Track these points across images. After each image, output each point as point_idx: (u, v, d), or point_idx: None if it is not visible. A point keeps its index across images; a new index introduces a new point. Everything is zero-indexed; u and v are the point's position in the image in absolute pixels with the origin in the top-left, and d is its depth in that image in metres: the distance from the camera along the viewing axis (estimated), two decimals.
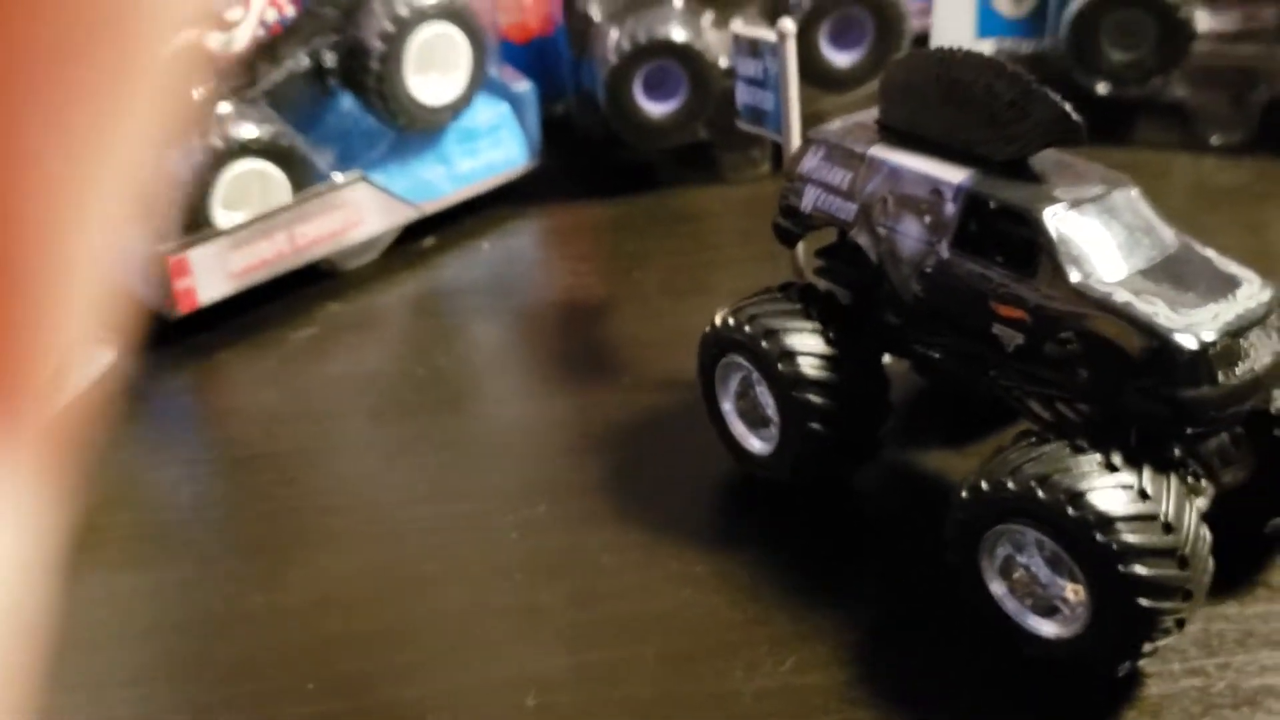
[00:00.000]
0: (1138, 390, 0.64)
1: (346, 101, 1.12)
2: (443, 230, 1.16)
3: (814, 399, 0.75)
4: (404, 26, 1.07)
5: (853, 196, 0.75)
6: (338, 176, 1.08)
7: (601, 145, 1.24)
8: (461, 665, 0.73)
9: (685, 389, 0.91)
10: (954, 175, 0.70)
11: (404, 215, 1.12)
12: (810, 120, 0.85)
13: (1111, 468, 0.62)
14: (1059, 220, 0.66)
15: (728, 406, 0.82)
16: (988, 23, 1.28)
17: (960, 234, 0.69)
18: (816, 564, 0.77)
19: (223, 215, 1.02)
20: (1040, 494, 0.62)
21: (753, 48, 0.85)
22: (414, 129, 1.12)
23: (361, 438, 0.94)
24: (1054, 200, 0.67)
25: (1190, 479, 0.68)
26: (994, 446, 0.69)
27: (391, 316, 1.09)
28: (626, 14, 1.16)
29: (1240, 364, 0.63)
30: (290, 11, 1.05)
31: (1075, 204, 0.67)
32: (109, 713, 0.72)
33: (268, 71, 1.05)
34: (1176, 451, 0.67)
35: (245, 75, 1.04)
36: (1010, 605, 0.67)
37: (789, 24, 0.81)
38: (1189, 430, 0.65)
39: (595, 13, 1.17)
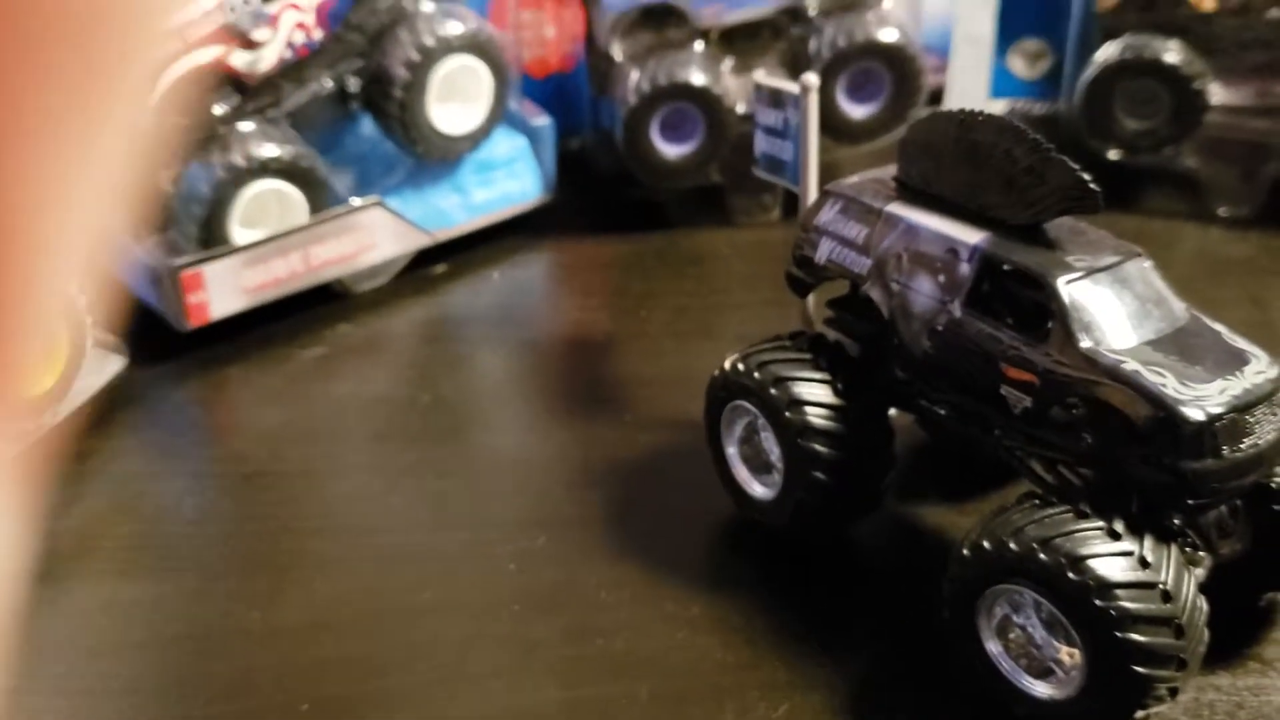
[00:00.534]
0: (1142, 459, 0.65)
1: (367, 126, 1.13)
2: (454, 258, 1.17)
3: (820, 448, 0.75)
4: (429, 56, 1.08)
5: (868, 251, 0.76)
6: (355, 200, 1.09)
7: (614, 182, 1.25)
8: (453, 696, 0.73)
9: (687, 430, 0.91)
10: (970, 236, 0.71)
11: (417, 241, 1.13)
12: (824, 171, 0.87)
13: (1113, 534, 0.63)
14: (1073, 287, 0.67)
15: (732, 451, 0.83)
16: (1002, 83, 1.30)
17: (973, 294, 0.70)
18: (812, 612, 0.77)
19: (240, 232, 1.03)
20: (1042, 556, 0.63)
21: (774, 98, 0.86)
22: (432, 157, 1.13)
23: (364, 460, 0.94)
24: (1068, 267, 0.68)
25: (1189, 549, 0.68)
26: (994, 505, 0.70)
27: (400, 341, 1.09)
28: (648, 56, 1.17)
29: (1245, 439, 0.64)
30: (318, 35, 1.06)
31: (1089, 272, 0.67)
32: None
33: (292, 93, 1.06)
34: (1176, 521, 0.67)
35: (270, 95, 1.05)
36: (1005, 665, 0.68)
37: (813, 78, 0.82)
38: (1190, 501, 0.65)
39: (617, 53, 1.18)
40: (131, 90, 0.25)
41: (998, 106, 1.29)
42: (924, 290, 0.73)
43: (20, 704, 0.73)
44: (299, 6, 1.04)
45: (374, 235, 1.10)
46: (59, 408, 0.93)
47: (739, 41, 1.20)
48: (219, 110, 1.03)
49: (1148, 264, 0.70)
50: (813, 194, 0.84)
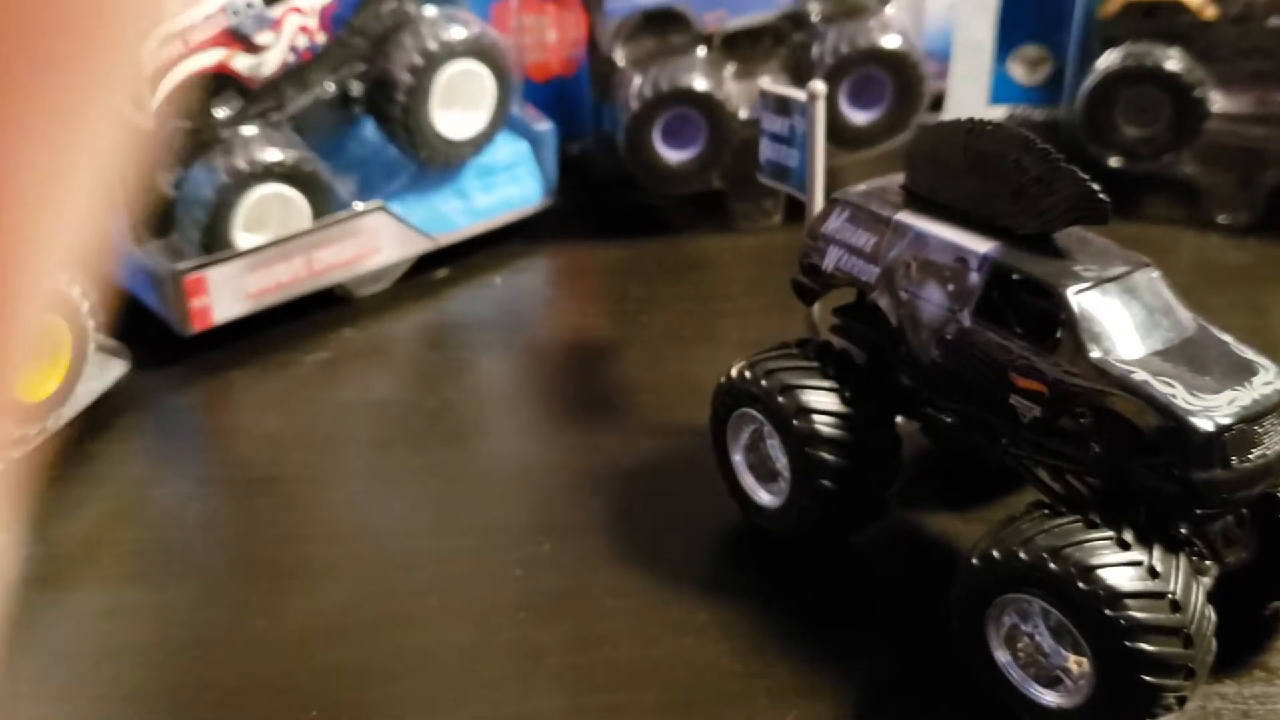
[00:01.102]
0: (1151, 469, 0.65)
1: (369, 131, 1.13)
2: (456, 262, 1.17)
3: (827, 456, 0.76)
4: (433, 61, 1.08)
5: (876, 259, 0.76)
6: (358, 205, 1.09)
7: (616, 187, 1.25)
8: (459, 703, 0.73)
9: (690, 435, 0.91)
10: (980, 245, 0.71)
11: (419, 246, 1.13)
12: (827, 177, 0.87)
13: (1123, 544, 0.63)
14: (1082, 297, 0.67)
15: (738, 458, 0.83)
16: (1002, 89, 1.30)
17: (983, 303, 0.70)
18: (818, 619, 0.77)
19: (243, 237, 1.03)
20: (1052, 566, 0.63)
21: (780, 105, 0.86)
22: (435, 162, 1.13)
23: (368, 466, 0.94)
24: (1078, 277, 0.68)
25: (1196, 558, 0.69)
26: (999, 513, 0.70)
27: (403, 345, 1.09)
28: (650, 61, 1.17)
29: (1254, 450, 0.64)
30: (321, 39, 1.06)
31: (1098, 282, 0.68)
32: None
33: (295, 97, 1.06)
34: (1183, 530, 0.68)
35: (273, 100, 1.05)
36: (1013, 674, 0.68)
37: (820, 85, 0.83)
38: (1199, 511, 0.66)
39: (620, 58, 1.18)
40: (120, 85, 0.25)
41: (997, 112, 1.29)
42: (933, 299, 0.73)
43: (24, 710, 0.73)
44: (302, 10, 1.04)
45: (377, 240, 1.09)
46: (61, 412, 0.93)
47: (741, 47, 1.20)
48: (222, 114, 1.03)
49: (1156, 274, 0.70)
50: (819, 201, 0.85)
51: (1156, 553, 0.64)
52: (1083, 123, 1.20)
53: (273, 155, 1.03)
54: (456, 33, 1.10)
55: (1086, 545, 0.63)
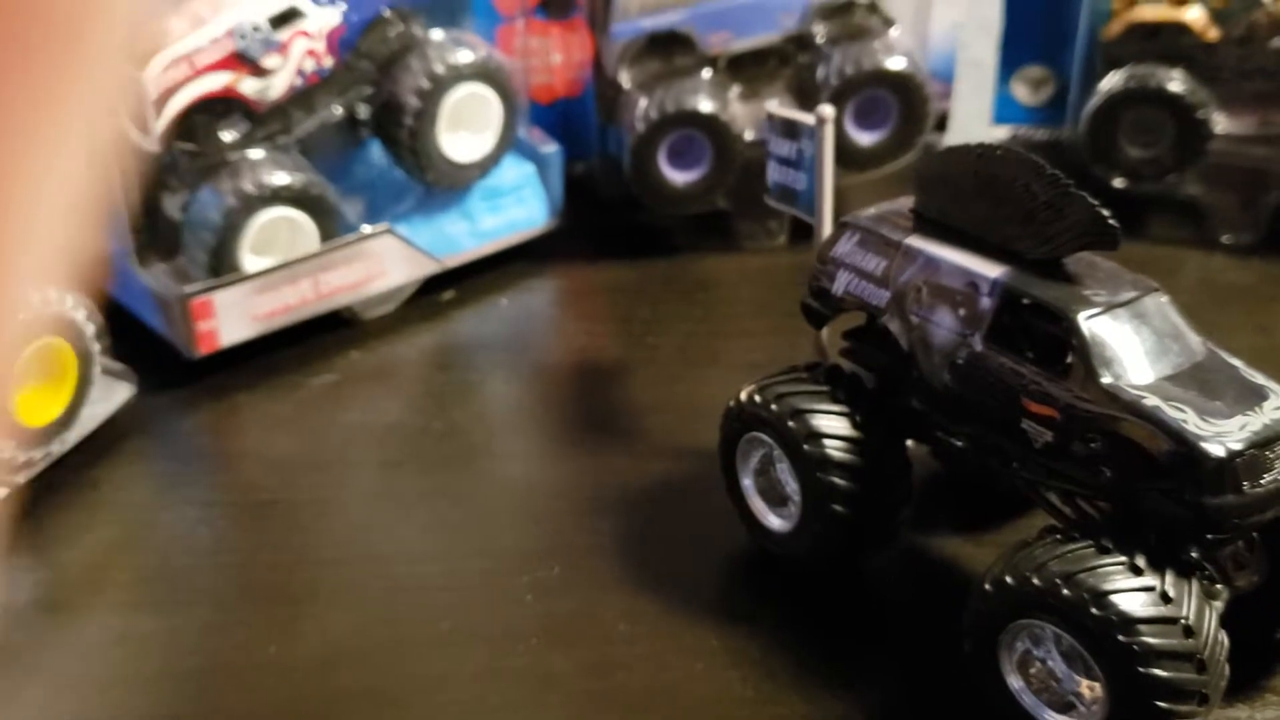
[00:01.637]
0: (1163, 494, 0.65)
1: (376, 154, 1.14)
2: (462, 284, 1.17)
3: (838, 482, 0.76)
4: (440, 85, 1.08)
5: (886, 283, 0.77)
6: (365, 227, 1.09)
7: (621, 207, 1.25)
8: None
9: (698, 458, 0.91)
10: (991, 270, 0.71)
11: (426, 268, 1.13)
12: (833, 199, 0.87)
13: (1135, 569, 0.63)
14: (1093, 323, 0.67)
15: (747, 482, 0.83)
16: (1005, 109, 1.30)
17: (994, 328, 0.71)
18: (829, 644, 0.77)
19: (250, 260, 1.03)
20: (1064, 591, 0.63)
21: (788, 129, 0.87)
22: (442, 185, 1.13)
23: (377, 489, 0.94)
24: (1088, 303, 0.68)
25: (1207, 583, 0.69)
26: (1010, 537, 0.70)
27: (409, 368, 1.09)
28: (656, 83, 1.17)
29: (1265, 475, 0.64)
30: (328, 63, 1.06)
31: (1109, 307, 0.68)
32: None
33: (302, 120, 1.06)
34: (1195, 555, 0.68)
35: (280, 123, 1.05)
36: (1026, 699, 0.68)
37: (829, 109, 0.83)
38: (1210, 536, 0.66)
39: (625, 80, 1.18)
40: (97, 91, 0.24)
41: (1000, 132, 1.29)
42: (944, 323, 0.73)
43: None
44: (309, 34, 1.05)
45: (384, 262, 1.10)
46: (66, 436, 0.93)
47: (746, 69, 1.20)
48: (229, 137, 1.03)
49: (1165, 299, 0.70)
50: (828, 225, 0.85)
51: (1169, 578, 0.64)
52: (1086, 143, 1.21)
53: (280, 179, 1.03)
54: (463, 57, 1.10)
55: (1099, 571, 0.63)
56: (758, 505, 0.83)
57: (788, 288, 0.88)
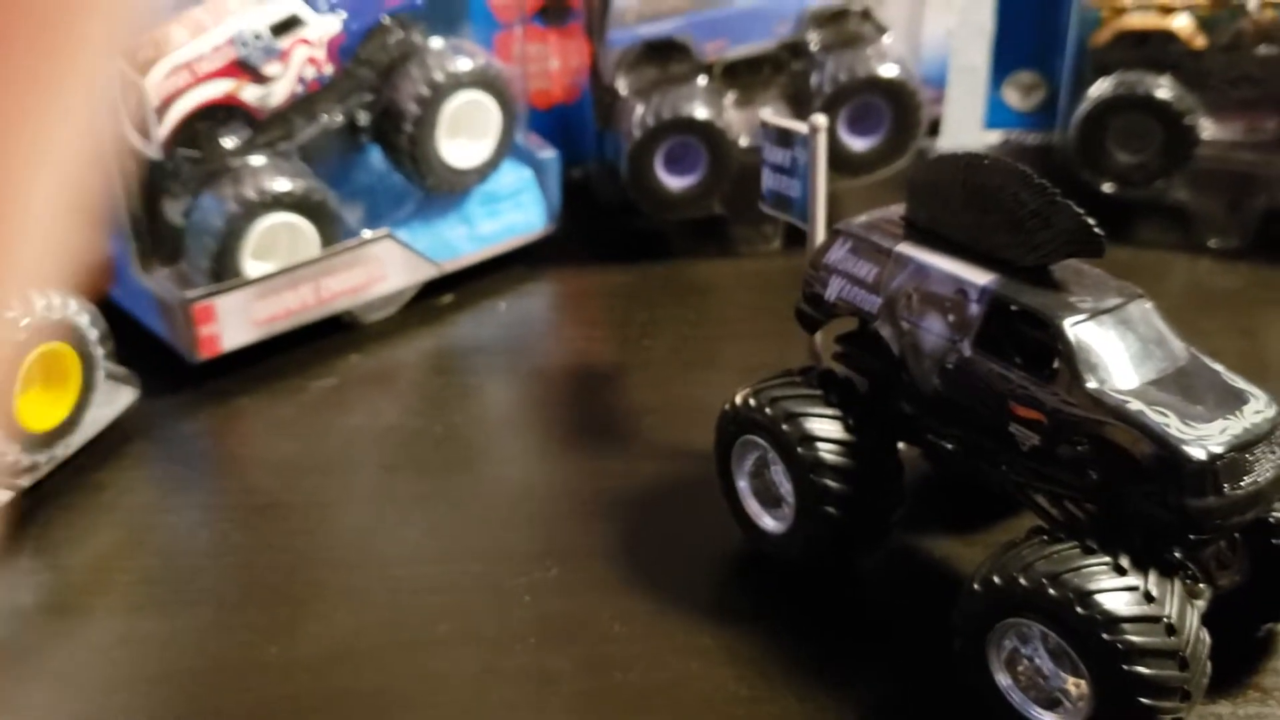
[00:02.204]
0: (1146, 496, 0.67)
1: (376, 160, 1.15)
2: (461, 288, 1.19)
3: (832, 484, 0.77)
4: (439, 92, 1.10)
5: (878, 290, 0.78)
6: (365, 232, 1.11)
7: (618, 212, 1.27)
8: None
9: (693, 460, 0.93)
10: (979, 277, 0.73)
11: (426, 273, 1.15)
12: (827, 205, 0.88)
13: (1119, 569, 0.65)
14: (1079, 329, 0.69)
15: (742, 484, 0.84)
16: (996, 114, 1.32)
17: (983, 334, 0.72)
18: (823, 643, 0.79)
19: (252, 265, 1.04)
20: (1051, 591, 0.65)
21: (782, 137, 0.88)
22: (441, 190, 1.15)
23: (376, 491, 0.95)
24: (1074, 309, 0.70)
25: (1189, 581, 0.70)
26: (1001, 537, 0.71)
27: (409, 371, 1.11)
28: (652, 90, 1.19)
29: (1245, 477, 0.65)
30: (329, 70, 1.07)
31: (1094, 314, 0.69)
32: None
33: (303, 127, 1.08)
34: (1178, 555, 0.69)
35: (281, 129, 1.06)
36: (1014, 696, 0.69)
37: (821, 119, 0.84)
38: (1192, 537, 0.67)
39: (622, 87, 1.20)
40: (88, 86, 0.24)
41: (992, 137, 1.31)
42: (934, 329, 0.75)
43: None
44: (310, 41, 1.06)
45: (384, 267, 1.11)
46: (70, 440, 0.94)
47: (741, 76, 1.22)
48: (230, 144, 1.04)
49: (1149, 305, 0.72)
50: (821, 231, 0.86)
51: (1152, 577, 0.65)
52: (1075, 149, 1.22)
53: (281, 185, 1.04)
54: (462, 64, 1.12)
55: (1084, 571, 0.65)
56: (752, 507, 0.84)
57: (782, 291, 0.89)
